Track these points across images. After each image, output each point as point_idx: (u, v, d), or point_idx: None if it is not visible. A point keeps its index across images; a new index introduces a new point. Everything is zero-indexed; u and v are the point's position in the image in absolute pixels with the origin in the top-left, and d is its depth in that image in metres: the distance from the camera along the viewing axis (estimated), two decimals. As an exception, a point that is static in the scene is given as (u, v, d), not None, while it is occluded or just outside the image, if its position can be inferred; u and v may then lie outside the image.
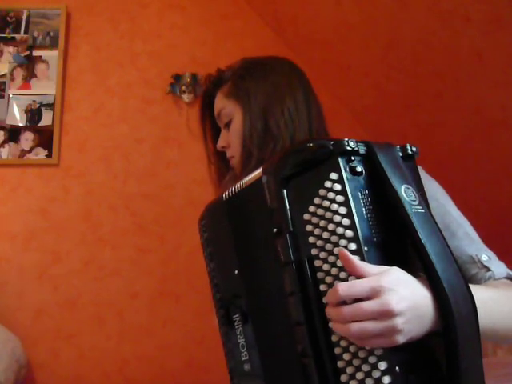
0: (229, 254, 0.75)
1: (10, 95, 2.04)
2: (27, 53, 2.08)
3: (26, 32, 2.10)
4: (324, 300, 0.59)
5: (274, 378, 0.70)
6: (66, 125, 2.06)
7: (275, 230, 0.65)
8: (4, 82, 2.04)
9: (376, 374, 0.55)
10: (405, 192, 0.62)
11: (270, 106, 0.90)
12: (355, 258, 0.56)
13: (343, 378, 0.58)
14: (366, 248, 0.58)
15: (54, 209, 1.98)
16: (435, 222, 0.62)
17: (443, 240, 0.61)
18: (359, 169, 0.61)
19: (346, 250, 0.56)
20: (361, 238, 0.58)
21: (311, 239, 0.61)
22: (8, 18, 2.11)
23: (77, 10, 2.15)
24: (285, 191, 0.65)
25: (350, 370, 0.58)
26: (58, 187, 2.00)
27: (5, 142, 2.00)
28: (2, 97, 2.03)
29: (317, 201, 0.61)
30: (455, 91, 1.59)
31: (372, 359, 0.56)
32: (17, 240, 1.94)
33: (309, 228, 0.61)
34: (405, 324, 0.54)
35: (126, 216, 2.01)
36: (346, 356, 0.58)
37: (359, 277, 0.56)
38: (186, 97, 2.09)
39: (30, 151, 2.00)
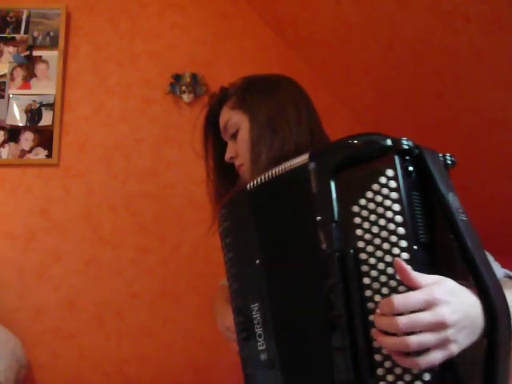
0: (250, 244, 0.75)
1: (10, 95, 2.04)
2: (27, 53, 2.08)
3: (26, 32, 2.10)
4: (367, 294, 0.60)
5: (295, 368, 0.69)
6: (66, 125, 2.06)
7: (319, 218, 0.65)
8: (4, 82, 2.04)
9: (415, 370, 0.56)
10: (452, 199, 0.62)
11: (274, 114, 0.94)
12: (409, 268, 0.56)
13: (379, 371, 0.58)
14: (415, 247, 0.59)
15: (54, 209, 1.98)
16: (476, 231, 0.63)
17: (483, 248, 0.63)
18: (411, 169, 0.62)
19: (401, 260, 0.57)
20: (411, 237, 0.59)
21: (359, 232, 0.61)
22: (8, 18, 2.11)
23: (77, 10, 2.15)
24: (333, 180, 0.65)
25: (387, 364, 0.58)
26: (58, 187, 2.00)
27: (5, 141, 2.00)
28: (2, 97, 2.03)
29: (369, 195, 0.61)
30: (455, 91, 1.58)
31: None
32: (17, 240, 1.94)
33: (357, 220, 0.62)
34: (458, 334, 0.55)
35: (126, 216, 2.01)
36: (385, 350, 0.58)
37: (412, 287, 0.56)
38: (185, 97, 2.09)
39: (29, 151, 2.00)
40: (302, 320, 0.68)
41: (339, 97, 2.16)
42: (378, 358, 0.58)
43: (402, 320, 0.54)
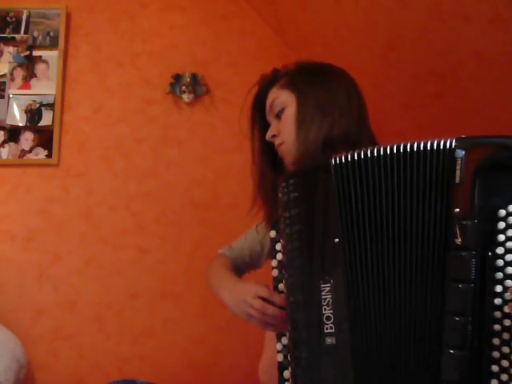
0: (327, 220, 0.71)
1: (10, 95, 2.04)
2: (27, 53, 2.08)
3: (26, 32, 2.10)
4: (496, 302, 0.58)
5: (371, 358, 0.66)
6: (66, 125, 2.06)
7: (457, 210, 0.61)
8: (4, 82, 2.04)
9: None
10: None
11: (324, 97, 0.92)
12: None
13: (494, 382, 0.57)
14: None
15: (54, 209, 1.98)
16: None
17: None
18: None
19: None
20: None
21: (501, 237, 0.59)
22: (8, 18, 2.11)
23: (77, 10, 2.15)
24: (480, 177, 0.61)
25: (504, 377, 0.57)
26: (58, 187, 2.00)
27: (5, 141, 2.00)
28: (2, 97, 2.03)
29: None
30: (455, 91, 1.58)
31: None
32: (17, 240, 1.94)
33: (501, 225, 0.59)
34: None
35: (126, 216, 2.01)
36: (504, 362, 0.57)
37: None
38: (185, 97, 2.09)
39: (30, 151, 2.00)
40: (403, 310, 0.65)
41: (339, 97, 2.15)
42: (495, 368, 0.57)
43: None
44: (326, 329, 0.68)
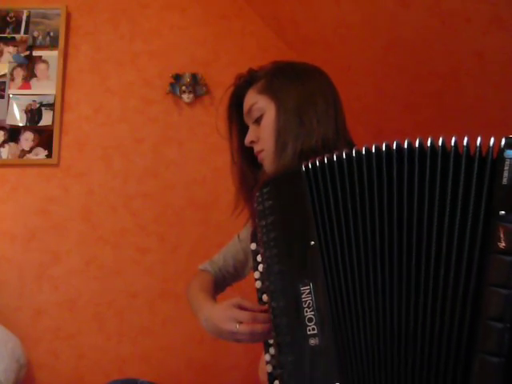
0: (301, 225, 0.72)
1: (10, 95, 2.04)
2: (27, 53, 2.08)
3: (26, 32, 2.10)
4: None
5: (355, 357, 0.66)
6: (66, 125, 2.06)
7: (502, 212, 0.59)
8: (4, 82, 2.04)
9: None
10: None
11: (303, 104, 0.92)
12: None
13: None
14: None
15: (54, 209, 1.98)
16: None
17: None
18: None
19: None
20: None
21: None
22: (8, 18, 2.11)
23: (77, 10, 2.15)
24: None
25: None
26: (58, 187, 2.00)
27: (5, 141, 2.00)
28: (2, 97, 2.03)
29: None
30: (455, 91, 1.58)
31: None
32: (17, 240, 1.94)
33: None
34: None
35: (126, 216, 2.01)
36: None
37: None
38: (186, 97, 2.09)
39: (29, 151, 2.00)
40: (402, 309, 0.64)
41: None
42: None
43: None
44: (309, 330, 0.68)
